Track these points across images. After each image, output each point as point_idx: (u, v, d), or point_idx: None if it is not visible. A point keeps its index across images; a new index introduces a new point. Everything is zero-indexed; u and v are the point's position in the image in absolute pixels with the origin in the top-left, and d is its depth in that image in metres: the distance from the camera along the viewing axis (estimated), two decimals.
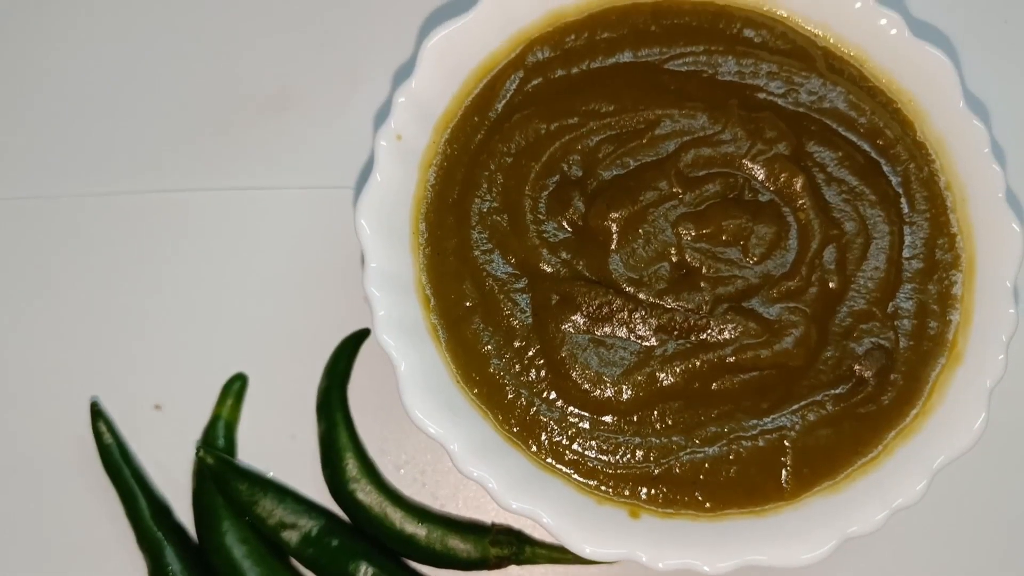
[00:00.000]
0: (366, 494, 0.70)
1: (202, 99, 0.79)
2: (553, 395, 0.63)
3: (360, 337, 0.74)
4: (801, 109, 0.67)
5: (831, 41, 0.69)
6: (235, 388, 0.73)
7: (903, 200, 0.66)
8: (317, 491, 0.72)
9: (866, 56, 0.68)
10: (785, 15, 0.69)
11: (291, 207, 0.77)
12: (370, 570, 0.69)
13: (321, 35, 0.80)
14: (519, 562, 0.70)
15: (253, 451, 0.73)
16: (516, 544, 0.70)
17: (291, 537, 0.70)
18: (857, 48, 0.68)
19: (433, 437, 0.60)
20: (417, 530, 0.70)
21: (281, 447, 0.73)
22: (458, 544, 0.69)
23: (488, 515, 0.72)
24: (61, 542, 0.71)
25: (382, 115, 0.77)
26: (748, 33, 0.68)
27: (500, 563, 0.70)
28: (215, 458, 0.70)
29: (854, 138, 0.67)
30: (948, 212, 0.66)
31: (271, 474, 0.72)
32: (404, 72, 0.78)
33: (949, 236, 0.66)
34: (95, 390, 0.74)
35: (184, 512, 0.72)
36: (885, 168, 0.67)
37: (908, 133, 0.67)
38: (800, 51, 0.68)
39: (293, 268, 0.76)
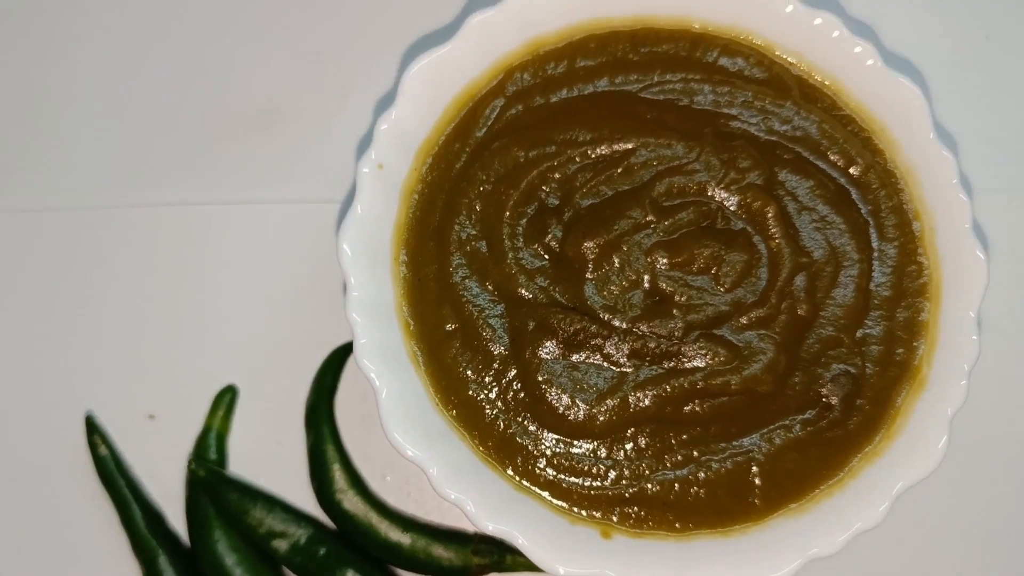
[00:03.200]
0: (352, 504, 0.72)
1: (192, 115, 0.79)
2: (529, 419, 0.64)
3: (347, 351, 0.75)
4: (775, 137, 0.68)
5: (805, 69, 0.69)
6: (226, 400, 0.75)
7: (872, 228, 0.67)
8: (305, 499, 0.74)
9: (840, 85, 0.69)
10: (761, 44, 0.69)
11: (280, 221, 0.77)
12: None
13: (311, 54, 0.81)
14: (500, 570, 0.72)
15: (244, 461, 0.75)
16: (497, 553, 0.72)
17: (280, 545, 0.71)
18: (832, 77, 0.69)
19: (412, 460, 0.61)
20: (402, 539, 0.71)
21: (271, 457, 0.74)
22: (441, 552, 0.71)
23: (470, 524, 0.73)
24: (57, 550, 0.73)
25: (368, 132, 0.77)
26: (724, 62, 0.69)
27: (482, 571, 0.71)
28: (206, 470, 0.72)
29: (826, 167, 0.67)
30: (916, 240, 0.66)
31: (261, 482, 0.74)
32: (392, 85, 0.78)
33: (917, 264, 0.66)
34: (90, 400, 0.75)
35: (177, 518, 0.74)
36: (855, 196, 0.67)
37: (879, 162, 0.68)
38: (776, 79, 0.69)
39: (282, 281, 0.77)
